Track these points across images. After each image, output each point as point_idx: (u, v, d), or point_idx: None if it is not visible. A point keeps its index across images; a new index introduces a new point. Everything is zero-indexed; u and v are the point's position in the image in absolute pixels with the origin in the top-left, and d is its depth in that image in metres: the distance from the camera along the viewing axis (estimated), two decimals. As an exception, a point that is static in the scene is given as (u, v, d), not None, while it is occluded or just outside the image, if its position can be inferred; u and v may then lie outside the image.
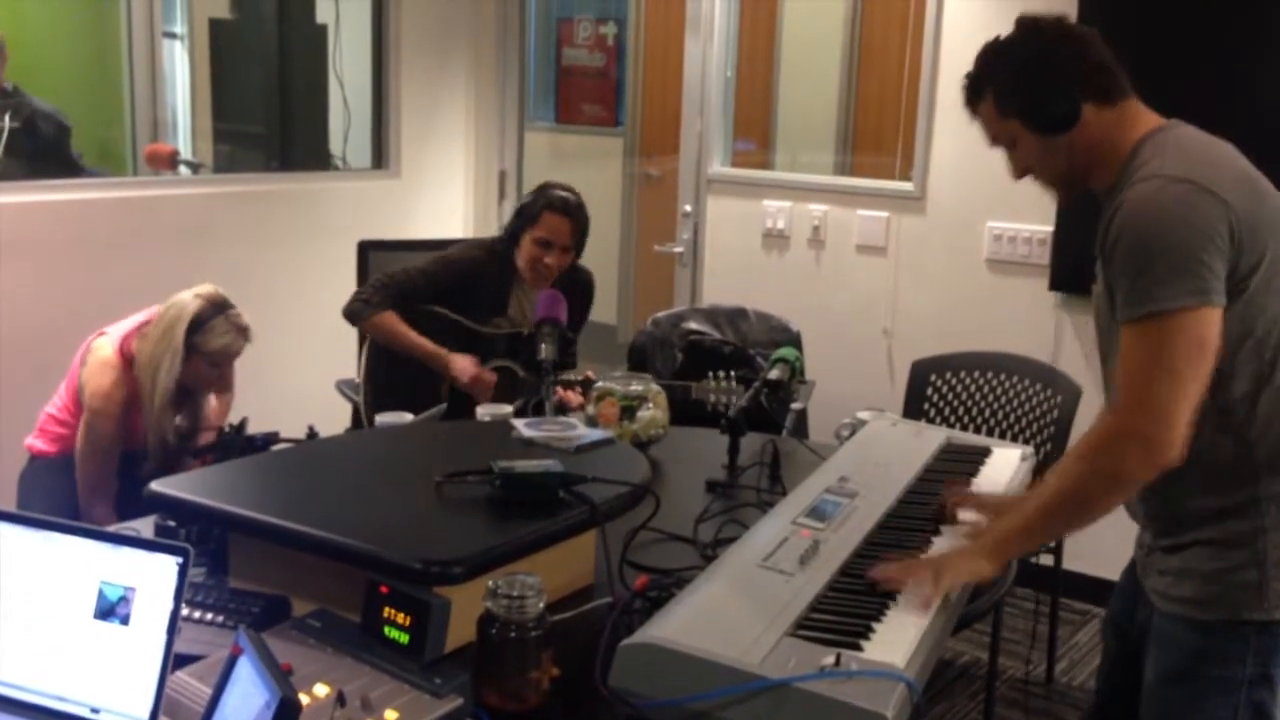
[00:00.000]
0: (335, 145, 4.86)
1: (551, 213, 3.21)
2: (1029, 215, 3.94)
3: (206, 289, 3.00)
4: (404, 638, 1.51)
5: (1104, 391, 1.88)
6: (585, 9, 6.04)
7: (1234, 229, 1.64)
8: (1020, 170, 1.87)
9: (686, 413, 2.78)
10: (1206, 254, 1.62)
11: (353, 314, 3.24)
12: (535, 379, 2.65)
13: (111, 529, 1.83)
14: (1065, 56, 1.77)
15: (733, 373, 2.80)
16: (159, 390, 2.93)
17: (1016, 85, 1.78)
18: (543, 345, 2.64)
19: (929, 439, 2.45)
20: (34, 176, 3.90)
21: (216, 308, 2.97)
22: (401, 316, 3.20)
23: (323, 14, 4.82)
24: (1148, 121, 1.79)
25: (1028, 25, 1.81)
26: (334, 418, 3.51)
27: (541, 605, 1.51)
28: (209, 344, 2.95)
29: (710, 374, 2.80)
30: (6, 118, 3.84)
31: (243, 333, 3.01)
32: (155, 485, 1.79)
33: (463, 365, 3.14)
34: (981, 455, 2.39)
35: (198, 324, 2.94)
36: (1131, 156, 1.74)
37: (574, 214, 3.24)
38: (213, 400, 3.21)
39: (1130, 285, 1.65)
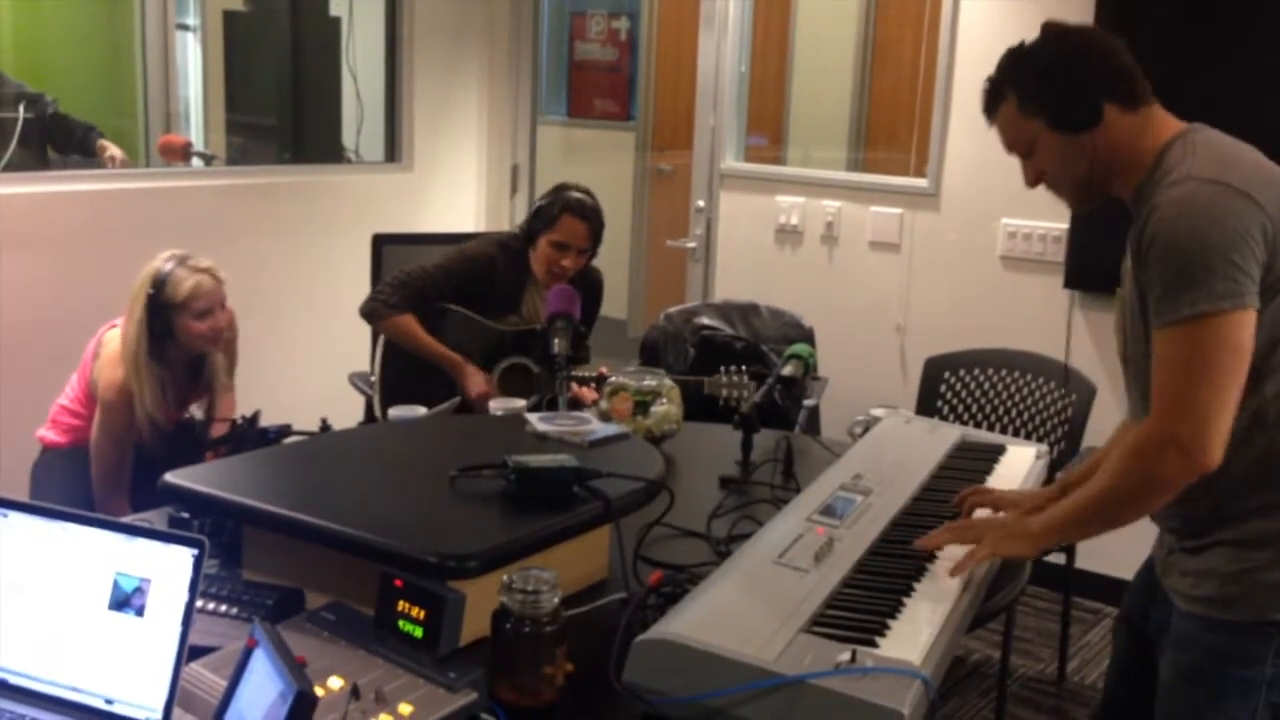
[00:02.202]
0: (348, 138, 4.86)
1: (570, 216, 3.21)
2: (1044, 212, 3.92)
3: (164, 253, 2.95)
4: (418, 631, 1.50)
5: (1128, 394, 1.87)
6: (598, 3, 6.03)
7: (1267, 230, 1.63)
8: (1035, 177, 1.86)
9: (699, 408, 2.78)
10: (1240, 256, 1.61)
11: (371, 314, 3.24)
12: (549, 374, 2.65)
13: (126, 520, 1.83)
14: (1090, 58, 1.76)
15: (744, 368, 2.79)
16: (131, 359, 2.90)
17: (1040, 84, 1.77)
18: (555, 340, 2.64)
19: (943, 436, 2.44)
20: (33, 164, 3.90)
21: (173, 261, 2.93)
22: (418, 314, 3.20)
23: (336, 6, 4.81)
24: (1171, 126, 1.78)
25: (1053, 30, 1.81)
26: (347, 410, 3.51)
27: (556, 600, 1.50)
28: (178, 294, 2.90)
29: (722, 369, 2.80)
30: (21, 108, 3.84)
31: (206, 272, 2.95)
32: (169, 477, 1.79)
33: (475, 381, 3.14)
34: (996, 453, 2.38)
35: (159, 282, 2.89)
36: (1159, 160, 1.74)
37: (591, 217, 3.24)
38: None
39: (1165, 289, 1.64)
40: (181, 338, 2.96)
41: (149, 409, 2.94)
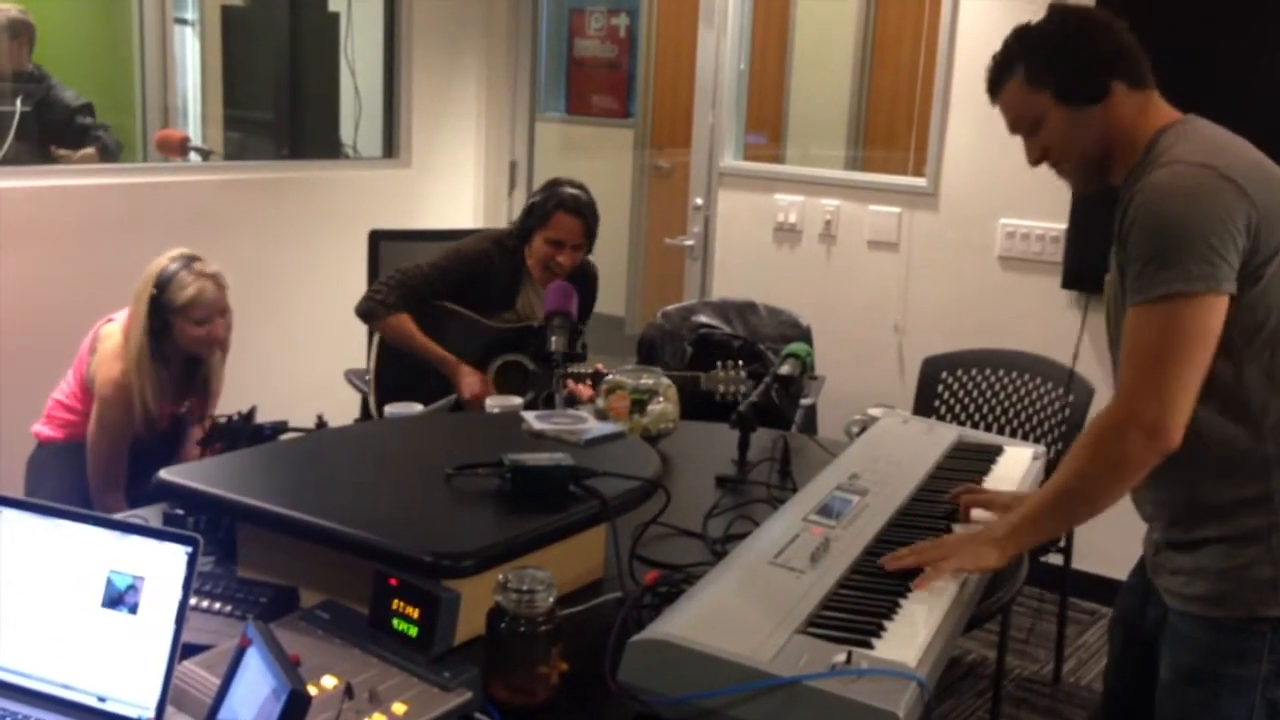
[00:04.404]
0: (346, 134, 4.85)
1: (564, 213, 3.21)
2: (1042, 212, 3.92)
3: (171, 251, 2.95)
4: (413, 630, 1.50)
5: (1114, 380, 1.87)
6: (598, 0, 6.02)
7: (1250, 218, 1.64)
8: (1038, 156, 1.85)
9: (696, 406, 2.77)
10: (1219, 240, 1.62)
11: (367, 313, 3.23)
12: (545, 372, 2.65)
13: (120, 517, 1.82)
14: (1100, 32, 1.78)
15: (740, 362, 2.79)
16: (132, 358, 2.91)
17: (1051, 57, 1.78)
18: (553, 337, 2.63)
19: (940, 436, 2.44)
20: (45, 162, 3.90)
21: (180, 263, 2.93)
22: (414, 313, 3.19)
23: (335, 2, 4.81)
24: (1167, 114, 1.80)
25: (1060, 9, 1.82)
26: (343, 407, 3.51)
27: (551, 599, 1.50)
28: (179, 298, 2.90)
29: (719, 364, 2.79)
30: (19, 101, 3.83)
31: (211, 279, 2.95)
32: (164, 473, 1.78)
33: (469, 382, 3.13)
34: (993, 454, 2.38)
35: (163, 282, 2.89)
36: (1151, 145, 1.75)
37: (585, 213, 3.24)
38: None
39: (1141, 268, 1.65)
40: (177, 339, 2.96)
41: (149, 406, 2.94)
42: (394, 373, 3.25)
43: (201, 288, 2.93)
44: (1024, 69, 1.80)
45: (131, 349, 2.92)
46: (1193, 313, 1.62)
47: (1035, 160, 1.86)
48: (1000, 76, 1.84)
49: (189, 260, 2.95)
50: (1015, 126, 1.86)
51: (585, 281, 3.35)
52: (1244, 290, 1.65)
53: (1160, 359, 1.63)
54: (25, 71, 3.94)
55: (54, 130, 3.99)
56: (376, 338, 3.30)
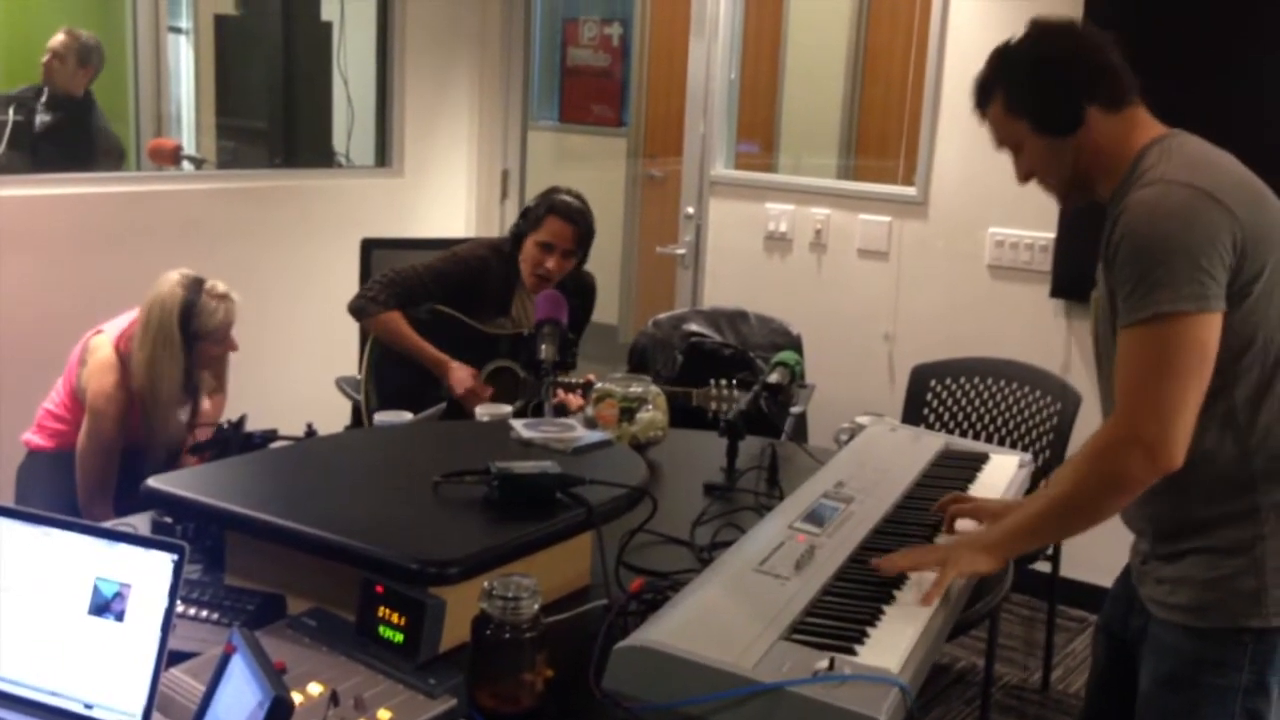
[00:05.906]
0: (339, 142, 4.86)
1: (555, 217, 3.22)
2: (1031, 221, 3.94)
3: (174, 276, 2.97)
4: (398, 637, 1.51)
5: (1100, 397, 1.88)
6: (591, 9, 6.04)
7: (1237, 236, 1.64)
8: (1025, 174, 1.87)
9: (686, 414, 2.78)
10: (1208, 259, 1.62)
11: (358, 310, 3.25)
12: (535, 379, 2.65)
13: (108, 525, 1.83)
14: (1075, 59, 1.78)
15: (734, 380, 2.80)
16: (164, 392, 2.93)
17: (1025, 85, 1.79)
18: (543, 345, 2.64)
19: (927, 445, 2.45)
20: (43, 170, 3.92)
21: (195, 289, 2.95)
22: (405, 314, 3.20)
23: (328, 11, 4.82)
24: (1152, 129, 1.80)
25: (1039, 27, 1.82)
26: (334, 415, 3.51)
27: (537, 607, 1.51)
28: (209, 324, 2.95)
29: (711, 381, 2.80)
30: (11, 111, 3.84)
31: (227, 299, 3.00)
32: (153, 481, 1.79)
33: (460, 377, 3.14)
34: (979, 462, 2.39)
35: (188, 313, 2.92)
36: (1135, 162, 1.75)
37: (577, 219, 3.25)
38: (206, 402, 3.20)
39: (1131, 289, 1.65)
40: (197, 359, 2.99)
41: (171, 433, 2.97)
42: (386, 381, 3.26)
43: (226, 310, 2.99)
44: (1002, 96, 1.81)
45: (164, 383, 2.92)
46: (1186, 331, 1.62)
47: (1023, 178, 1.88)
48: (984, 97, 1.85)
49: (198, 284, 2.96)
50: (1001, 145, 1.88)
51: (583, 294, 3.36)
52: (1232, 308, 1.65)
53: (1157, 378, 1.63)
54: (73, 96, 3.95)
55: (81, 153, 4.01)
56: (369, 346, 3.31)
